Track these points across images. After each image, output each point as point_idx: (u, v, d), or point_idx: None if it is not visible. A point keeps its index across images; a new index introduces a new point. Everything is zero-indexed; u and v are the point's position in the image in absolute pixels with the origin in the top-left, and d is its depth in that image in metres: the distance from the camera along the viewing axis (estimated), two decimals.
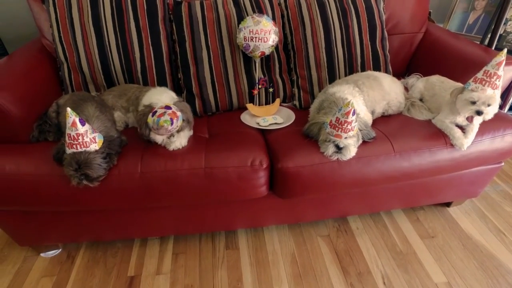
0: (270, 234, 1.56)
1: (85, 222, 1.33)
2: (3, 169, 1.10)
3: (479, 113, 1.17)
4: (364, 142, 1.22)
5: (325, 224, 1.61)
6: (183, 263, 1.43)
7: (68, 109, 1.01)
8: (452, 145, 1.25)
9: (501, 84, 1.15)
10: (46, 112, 1.29)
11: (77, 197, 1.14)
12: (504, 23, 1.74)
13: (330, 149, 1.16)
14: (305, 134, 1.26)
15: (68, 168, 1.04)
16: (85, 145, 1.03)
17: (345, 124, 1.09)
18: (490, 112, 1.17)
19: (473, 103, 1.17)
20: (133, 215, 1.33)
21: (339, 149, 1.16)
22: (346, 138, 1.13)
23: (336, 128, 1.12)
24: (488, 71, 1.14)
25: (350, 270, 1.40)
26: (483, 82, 1.15)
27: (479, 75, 1.16)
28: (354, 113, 1.07)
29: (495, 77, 1.13)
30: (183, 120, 1.14)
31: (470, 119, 1.22)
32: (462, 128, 1.27)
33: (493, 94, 1.14)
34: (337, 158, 1.18)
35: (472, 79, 1.18)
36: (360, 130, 1.19)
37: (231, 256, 1.46)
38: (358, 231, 1.58)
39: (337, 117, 1.11)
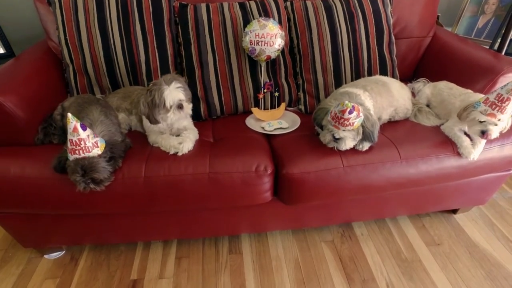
0: (274, 239, 1.55)
1: (89, 225, 1.33)
2: (8, 172, 1.11)
3: (483, 132, 1.16)
4: (370, 148, 1.21)
5: (329, 230, 1.59)
6: (186, 267, 1.43)
7: (69, 115, 1.00)
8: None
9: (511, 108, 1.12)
10: (51, 115, 1.29)
11: (81, 201, 1.14)
12: None
13: (327, 137, 1.18)
14: (313, 118, 1.26)
15: (74, 175, 1.03)
16: (87, 150, 1.03)
17: (342, 120, 1.10)
18: (495, 131, 1.16)
19: (481, 122, 1.16)
20: (137, 219, 1.33)
21: (336, 139, 1.16)
22: (344, 130, 1.13)
23: (335, 120, 1.12)
24: (502, 95, 1.10)
25: (355, 277, 1.39)
26: (493, 106, 1.12)
27: (491, 97, 1.13)
28: (350, 112, 1.07)
29: (507, 103, 1.10)
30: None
31: (481, 135, 1.19)
32: (471, 137, 1.25)
33: (501, 118, 1.13)
34: (335, 147, 1.19)
35: (484, 99, 1.16)
36: (363, 127, 1.16)
37: (235, 261, 1.45)
38: (362, 237, 1.56)
39: (334, 112, 1.12)
